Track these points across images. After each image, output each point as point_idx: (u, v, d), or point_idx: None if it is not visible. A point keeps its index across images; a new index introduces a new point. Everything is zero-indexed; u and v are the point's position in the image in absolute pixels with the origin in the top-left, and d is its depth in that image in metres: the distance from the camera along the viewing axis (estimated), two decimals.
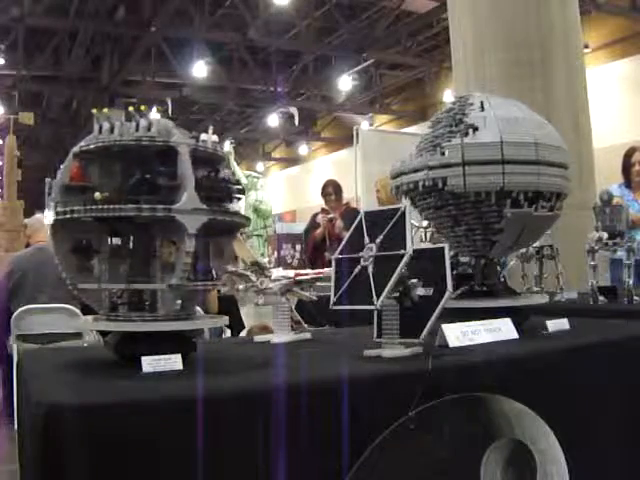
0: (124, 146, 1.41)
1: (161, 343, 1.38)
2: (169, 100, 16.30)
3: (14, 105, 15.87)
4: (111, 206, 1.35)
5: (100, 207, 1.37)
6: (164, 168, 1.41)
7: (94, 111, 1.45)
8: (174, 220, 1.34)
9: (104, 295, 1.50)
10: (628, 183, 4.68)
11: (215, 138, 1.49)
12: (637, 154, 4.63)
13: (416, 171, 1.89)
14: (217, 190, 1.46)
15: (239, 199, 1.53)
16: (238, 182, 1.53)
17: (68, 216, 1.40)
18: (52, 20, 12.20)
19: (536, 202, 1.86)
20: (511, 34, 4.69)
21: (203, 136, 1.47)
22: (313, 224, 5.91)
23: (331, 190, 5.93)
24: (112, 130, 1.42)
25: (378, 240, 1.50)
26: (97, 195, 1.38)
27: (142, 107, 1.46)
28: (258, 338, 1.93)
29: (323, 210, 5.92)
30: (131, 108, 1.45)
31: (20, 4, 11.07)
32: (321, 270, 2.03)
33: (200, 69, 14.23)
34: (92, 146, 1.43)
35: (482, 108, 1.88)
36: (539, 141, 1.83)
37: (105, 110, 1.46)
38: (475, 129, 1.83)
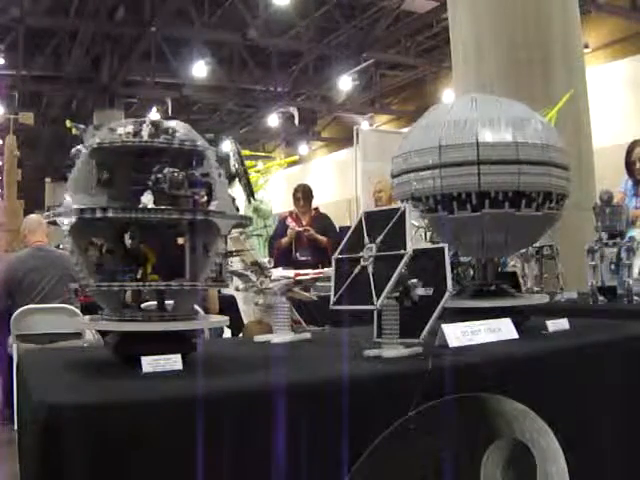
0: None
1: (161, 343, 1.39)
2: (169, 100, 16.29)
3: (14, 105, 15.86)
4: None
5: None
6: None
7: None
8: (55, 222, 1.37)
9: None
10: (632, 178, 4.58)
11: (141, 127, 1.38)
12: (638, 150, 4.53)
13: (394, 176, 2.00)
14: (143, 184, 1.42)
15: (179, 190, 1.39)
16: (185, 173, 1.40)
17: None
18: (52, 20, 12.19)
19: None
20: (511, 34, 4.69)
21: (120, 130, 1.39)
22: (281, 230, 5.96)
23: (300, 195, 6.09)
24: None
25: (378, 240, 1.50)
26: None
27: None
28: (258, 338, 1.93)
29: (291, 214, 5.99)
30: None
31: (20, 4, 11.06)
32: (321, 270, 2.03)
33: (200, 69, 14.22)
34: None
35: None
36: (546, 142, 1.84)
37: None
38: None
